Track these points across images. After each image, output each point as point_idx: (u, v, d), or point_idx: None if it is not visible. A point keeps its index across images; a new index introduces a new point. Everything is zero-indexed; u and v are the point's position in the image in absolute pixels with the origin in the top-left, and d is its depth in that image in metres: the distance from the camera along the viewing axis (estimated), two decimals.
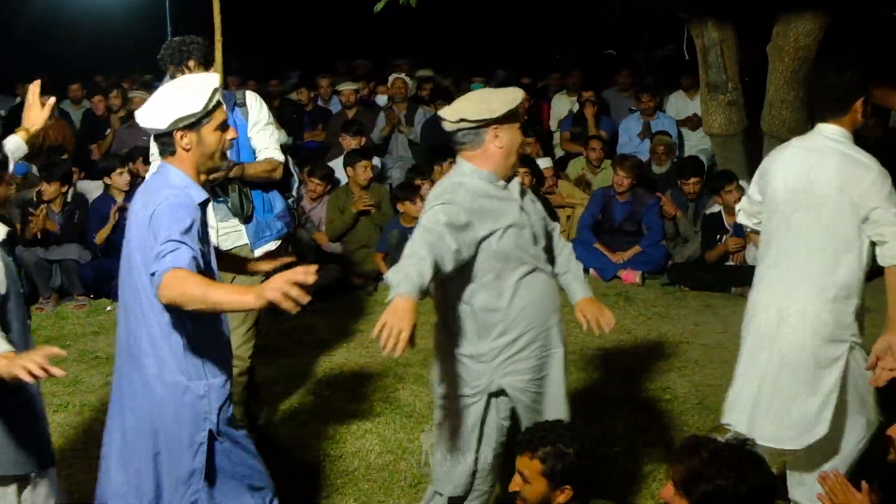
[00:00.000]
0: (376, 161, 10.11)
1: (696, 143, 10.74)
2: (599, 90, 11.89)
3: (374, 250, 8.65)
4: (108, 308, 8.15)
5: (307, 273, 3.22)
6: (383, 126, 11.16)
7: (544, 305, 3.94)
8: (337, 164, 9.79)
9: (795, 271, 4.17)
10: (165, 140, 3.55)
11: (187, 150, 3.53)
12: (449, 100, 11.13)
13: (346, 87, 11.82)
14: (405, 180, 9.31)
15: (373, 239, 8.83)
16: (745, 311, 4.42)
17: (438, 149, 9.95)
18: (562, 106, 12.11)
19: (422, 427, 5.29)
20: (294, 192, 5.34)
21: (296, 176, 5.40)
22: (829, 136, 4.16)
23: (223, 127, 3.61)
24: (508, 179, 3.89)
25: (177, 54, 4.87)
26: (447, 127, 3.85)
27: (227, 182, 4.97)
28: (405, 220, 8.60)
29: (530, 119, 11.62)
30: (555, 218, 9.24)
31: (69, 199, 8.64)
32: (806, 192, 4.14)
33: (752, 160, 9.42)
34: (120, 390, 3.68)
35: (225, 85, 5.15)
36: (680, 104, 11.36)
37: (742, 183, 8.58)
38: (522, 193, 3.94)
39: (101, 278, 8.34)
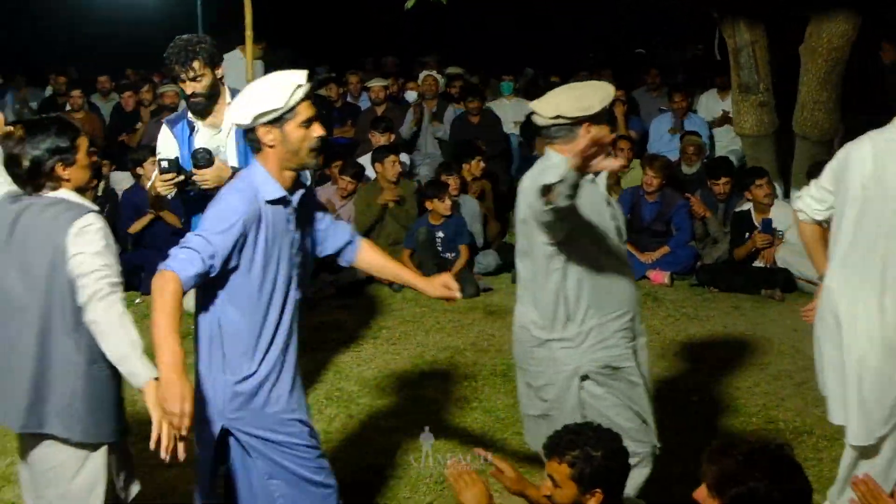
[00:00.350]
0: (405, 157, 10.12)
1: (726, 144, 10.70)
2: (629, 90, 11.84)
3: (401, 247, 8.65)
4: (137, 300, 8.17)
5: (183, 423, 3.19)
6: (411, 120, 11.13)
7: (627, 295, 4.03)
8: (366, 161, 9.82)
9: (869, 263, 4.15)
10: (252, 136, 3.56)
11: (272, 147, 3.53)
12: (478, 97, 11.16)
13: (376, 84, 11.83)
14: (434, 178, 9.32)
15: (401, 236, 8.84)
16: (820, 306, 4.38)
17: (466, 146, 9.97)
18: None
19: (422, 427, 5.19)
20: None
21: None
22: None
23: (308, 123, 3.56)
24: (596, 173, 3.91)
25: (182, 54, 4.78)
26: (539, 121, 3.89)
27: None
28: (433, 217, 8.63)
29: None
30: None
31: (100, 192, 8.69)
32: (878, 183, 4.11)
33: (783, 161, 9.39)
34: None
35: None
36: (711, 104, 11.30)
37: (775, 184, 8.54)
38: (609, 189, 4.03)
39: (129, 272, 8.34)
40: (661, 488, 4.83)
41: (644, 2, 16.01)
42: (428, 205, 8.72)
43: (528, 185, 3.85)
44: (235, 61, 10.24)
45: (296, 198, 3.66)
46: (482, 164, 9.69)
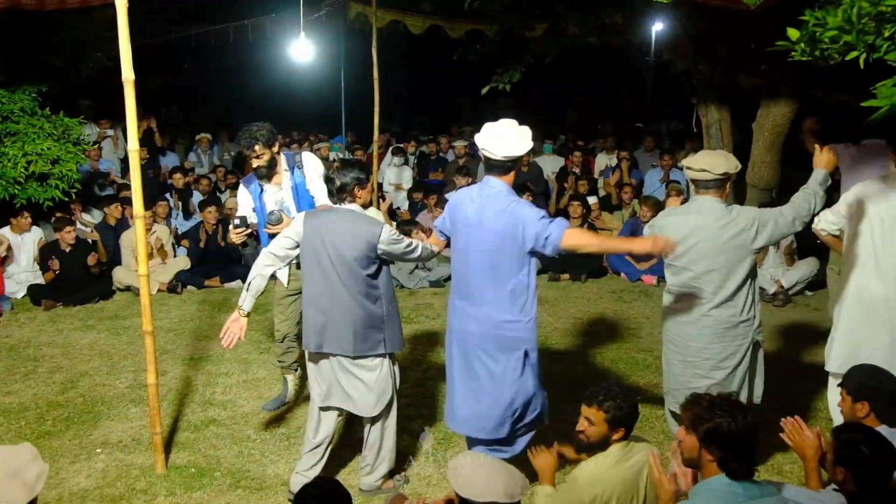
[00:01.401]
0: None
1: None
2: (631, 151, 11.71)
3: None
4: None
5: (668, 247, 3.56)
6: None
7: None
8: (451, 197, 9.84)
9: (887, 263, 4.15)
10: (509, 164, 3.61)
11: (520, 170, 3.70)
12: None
13: (459, 143, 11.83)
14: None
15: None
16: (845, 292, 4.33)
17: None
18: (603, 161, 11.96)
19: (425, 426, 4.81)
20: None
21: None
22: None
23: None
24: None
25: (248, 140, 4.64)
26: (705, 176, 3.88)
27: None
28: None
29: (582, 169, 11.50)
30: None
31: None
32: (887, 210, 4.16)
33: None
34: None
35: (286, 144, 4.95)
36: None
37: None
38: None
39: None
40: (649, 425, 4.77)
41: (642, 90, 15.84)
42: None
43: (761, 214, 3.89)
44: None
45: None
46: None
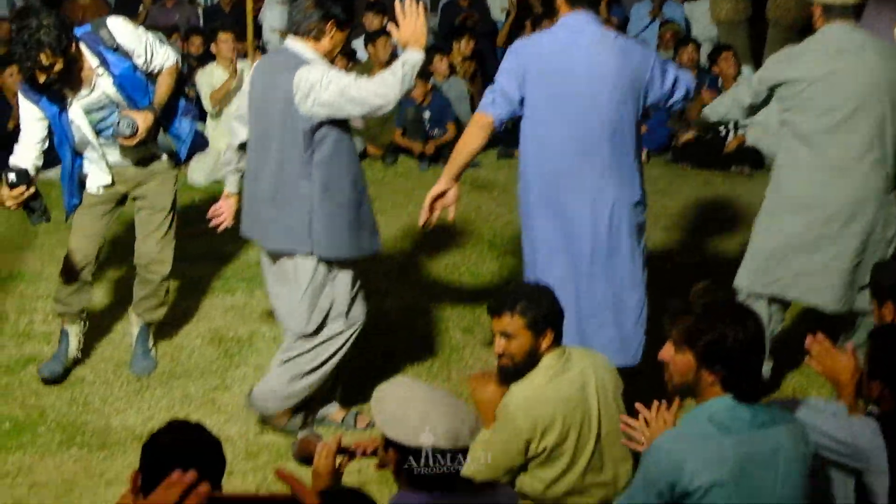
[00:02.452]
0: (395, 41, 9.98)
1: (702, 31, 10.54)
2: None
3: (392, 125, 8.60)
4: None
5: None
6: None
7: None
8: (359, 44, 9.69)
9: None
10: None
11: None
12: None
13: None
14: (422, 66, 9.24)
15: (391, 114, 8.78)
16: None
17: (458, 29, 9.89)
18: None
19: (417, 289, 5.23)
20: None
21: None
22: None
23: None
24: None
25: (25, 53, 4.01)
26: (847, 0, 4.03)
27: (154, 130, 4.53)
28: (418, 97, 8.59)
29: (548, 7, 11.39)
30: None
31: None
32: None
33: (755, 45, 9.33)
34: None
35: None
36: None
37: (745, 67, 8.47)
38: None
39: None
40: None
41: None
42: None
43: None
44: None
45: None
46: (472, 43, 9.61)
